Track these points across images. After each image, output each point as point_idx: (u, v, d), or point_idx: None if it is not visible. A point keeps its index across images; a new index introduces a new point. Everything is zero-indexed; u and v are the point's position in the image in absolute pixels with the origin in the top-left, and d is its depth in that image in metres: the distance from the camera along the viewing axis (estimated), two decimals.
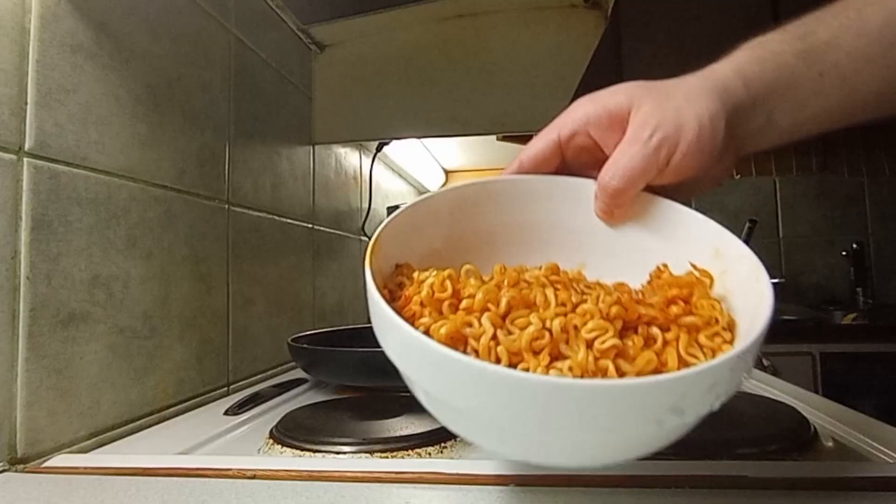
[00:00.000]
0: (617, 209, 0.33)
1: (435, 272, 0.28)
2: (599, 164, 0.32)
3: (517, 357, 0.25)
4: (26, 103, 0.43)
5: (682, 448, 0.39)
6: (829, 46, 0.32)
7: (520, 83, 1.00)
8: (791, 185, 1.92)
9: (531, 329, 0.25)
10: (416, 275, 0.29)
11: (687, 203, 0.33)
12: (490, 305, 0.27)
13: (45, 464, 0.42)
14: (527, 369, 0.24)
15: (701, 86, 0.31)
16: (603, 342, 0.25)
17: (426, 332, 0.25)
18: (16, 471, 0.40)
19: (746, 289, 0.28)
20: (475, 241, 0.35)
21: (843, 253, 1.83)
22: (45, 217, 0.44)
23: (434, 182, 1.80)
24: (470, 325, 0.26)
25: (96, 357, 0.49)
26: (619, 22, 1.46)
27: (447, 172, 1.86)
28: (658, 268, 0.32)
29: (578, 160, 0.34)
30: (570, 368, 0.24)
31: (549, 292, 0.27)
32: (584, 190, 0.34)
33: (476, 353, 0.25)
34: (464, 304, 0.27)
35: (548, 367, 0.24)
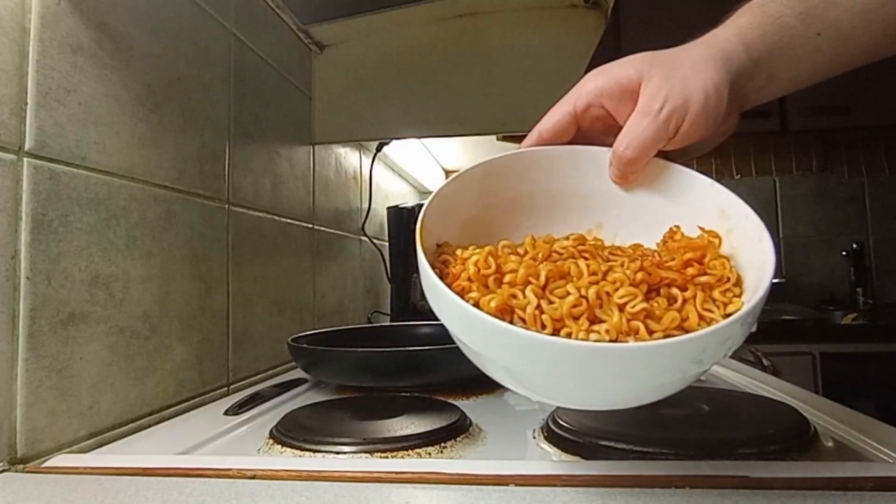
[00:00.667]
0: (631, 175, 0.36)
1: (477, 250, 0.32)
2: (613, 131, 0.35)
3: (559, 323, 0.28)
4: (26, 103, 0.43)
5: (682, 448, 0.39)
6: (828, 4, 0.33)
7: (520, 83, 1.00)
8: (791, 185, 1.92)
9: (571, 298, 0.29)
10: (458, 252, 0.32)
11: (690, 163, 0.36)
12: (531, 279, 0.30)
13: (45, 464, 0.42)
14: (569, 333, 0.28)
15: (705, 55, 0.33)
16: (633, 306, 0.28)
17: (476, 305, 0.28)
18: (16, 471, 0.40)
19: (751, 247, 0.31)
20: (505, 210, 0.38)
21: (843, 253, 1.83)
22: (45, 217, 0.44)
23: (434, 182, 1.80)
24: (515, 296, 0.29)
25: (96, 357, 0.49)
26: (619, 22, 1.46)
27: (447, 172, 1.86)
28: (671, 229, 0.35)
29: (593, 129, 0.37)
30: (608, 331, 0.28)
31: (581, 263, 0.31)
32: (600, 157, 0.37)
33: (523, 321, 0.28)
34: (507, 278, 0.30)
35: (588, 331, 0.28)
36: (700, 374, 0.29)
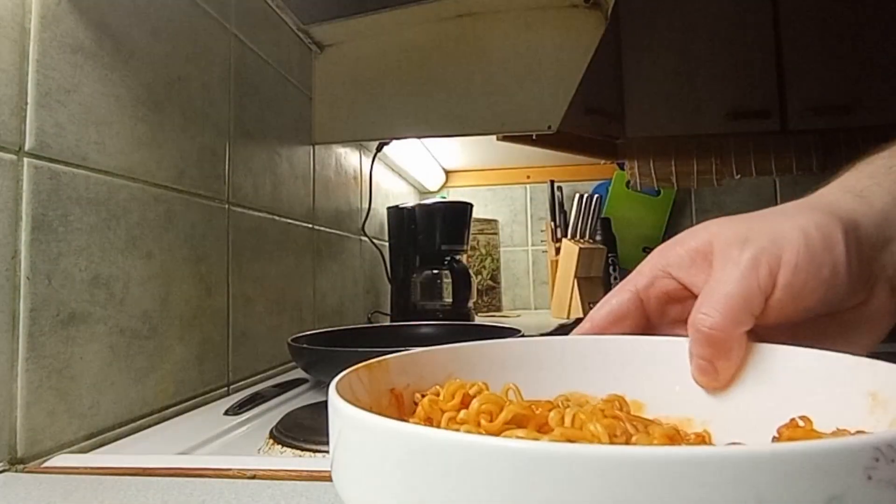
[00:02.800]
0: (719, 361, 0.24)
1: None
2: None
3: None
4: (26, 103, 0.43)
5: None
6: None
7: (520, 83, 1.00)
8: (791, 185, 1.92)
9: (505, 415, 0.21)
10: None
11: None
12: (482, 418, 0.22)
13: (45, 464, 0.42)
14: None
15: (799, 204, 0.27)
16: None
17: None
18: (16, 471, 0.40)
19: None
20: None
21: None
22: (45, 217, 0.44)
23: (434, 182, 1.80)
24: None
25: (96, 357, 0.49)
26: (619, 22, 1.46)
27: (447, 172, 1.85)
28: (793, 420, 0.22)
29: (666, 314, 0.29)
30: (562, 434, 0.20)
31: (568, 414, 0.22)
32: (674, 350, 0.26)
33: None
34: (447, 414, 0.24)
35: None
36: None
